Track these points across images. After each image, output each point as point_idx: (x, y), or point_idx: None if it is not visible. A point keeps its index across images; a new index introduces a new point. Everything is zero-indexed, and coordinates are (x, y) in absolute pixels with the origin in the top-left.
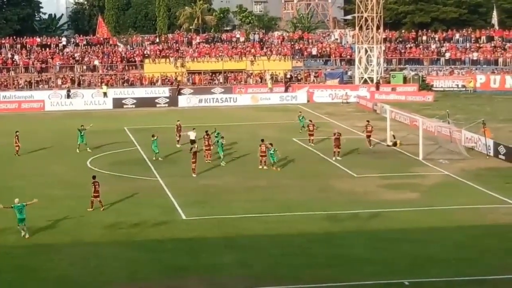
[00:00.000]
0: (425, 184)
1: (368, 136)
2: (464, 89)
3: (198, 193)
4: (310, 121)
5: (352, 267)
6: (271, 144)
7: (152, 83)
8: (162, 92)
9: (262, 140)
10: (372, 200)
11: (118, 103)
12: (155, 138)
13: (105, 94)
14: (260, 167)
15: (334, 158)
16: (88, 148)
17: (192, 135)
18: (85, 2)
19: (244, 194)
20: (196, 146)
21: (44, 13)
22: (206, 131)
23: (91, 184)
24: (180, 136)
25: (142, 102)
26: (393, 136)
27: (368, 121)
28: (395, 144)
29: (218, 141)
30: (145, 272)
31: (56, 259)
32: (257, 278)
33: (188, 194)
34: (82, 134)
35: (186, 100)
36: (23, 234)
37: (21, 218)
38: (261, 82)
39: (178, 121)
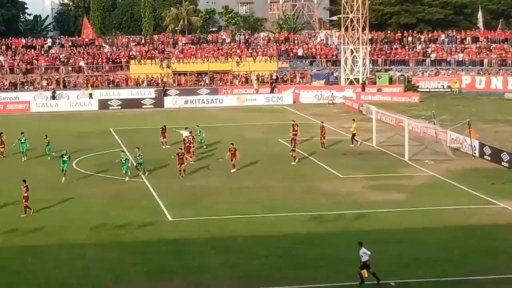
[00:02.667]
0: (410, 185)
1: (323, 138)
2: (449, 90)
3: (184, 195)
4: (293, 121)
5: (337, 268)
6: (138, 148)
7: (137, 84)
8: (147, 93)
9: (232, 144)
10: (358, 201)
11: (103, 104)
12: (47, 139)
13: (90, 95)
14: (233, 170)
15: (293, 163)
16: (24, 158)
17: (185, 134)
18: (71, 3)
19: (230, 195)
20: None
21: (29, 14)
22: (190, 132)
23: (22, 188)
24: (165, 137)
25: (128, 103)
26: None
27: (322, 122)
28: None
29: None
30: (131, 274)
31: (42, 261)
32: (242, 279)
33: (174, 196)
34: (22, 141)
35: (172, 101)
36: None
37: None
38: (247, 83)
39: (164, 125)
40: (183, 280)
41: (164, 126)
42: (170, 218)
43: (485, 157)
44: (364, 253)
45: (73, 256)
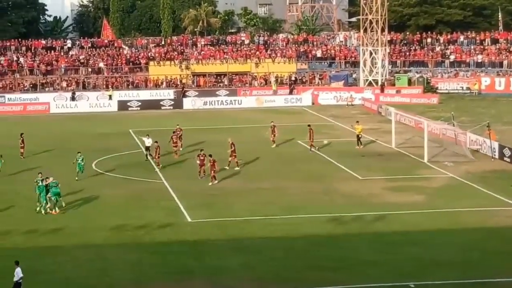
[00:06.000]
0: (430, 187)
1: (311, 140)
2: (469, 91)
3: (203, 196)
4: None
5: (356, 270)
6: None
7: (157, 86)
8: (167, 95)
9: (201, 150)
10: (377, 203)
11: (123, 105)
12: None
13: (110, 97)
14: (211, 183)
15: (234, 168)
16: None
17: (147, 141)
18: (90, 5)
19: (249, 197)
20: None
21: (49, 16)
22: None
23: None
24: (181, 141)
25: (147, 105)
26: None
27: (309, 125)
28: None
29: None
30: (150, 275)
31: (61, 261)
32: (261, 280)
33: (193, 197)
34: None
35: (191, 102)
36: None
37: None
38: (265, 84)
39: (177, 125)
40: (202, 281)
41: (179, 128)
42: (189, 219)
43: (505, 159)
44: (17, 274)
45: (93, 257)
